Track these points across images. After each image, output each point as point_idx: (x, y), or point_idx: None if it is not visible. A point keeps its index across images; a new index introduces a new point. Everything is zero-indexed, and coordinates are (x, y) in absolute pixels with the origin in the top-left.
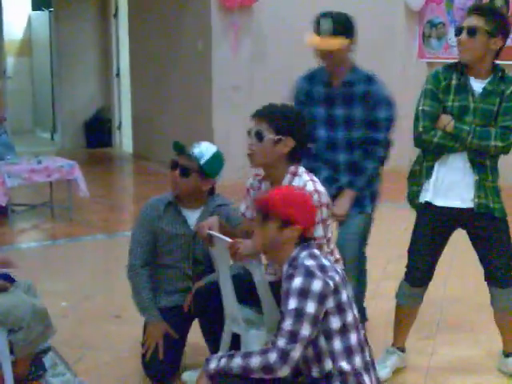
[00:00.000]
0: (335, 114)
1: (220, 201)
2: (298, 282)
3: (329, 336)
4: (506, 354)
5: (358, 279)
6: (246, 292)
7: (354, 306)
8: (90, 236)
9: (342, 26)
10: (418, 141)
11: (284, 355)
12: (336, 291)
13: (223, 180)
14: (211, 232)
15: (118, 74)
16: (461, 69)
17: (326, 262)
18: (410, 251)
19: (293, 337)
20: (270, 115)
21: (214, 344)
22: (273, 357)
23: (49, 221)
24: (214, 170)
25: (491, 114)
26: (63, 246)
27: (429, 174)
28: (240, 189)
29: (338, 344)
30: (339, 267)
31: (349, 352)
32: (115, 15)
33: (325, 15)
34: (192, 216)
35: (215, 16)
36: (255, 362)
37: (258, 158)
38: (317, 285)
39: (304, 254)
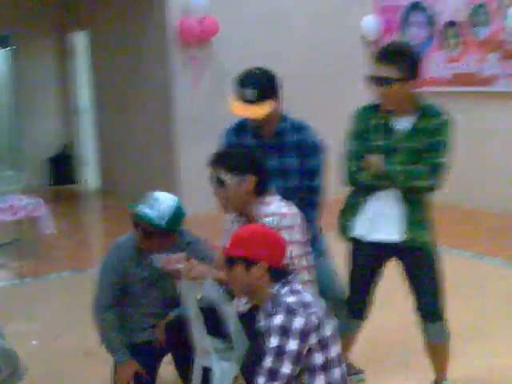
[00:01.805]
0: (269, 165)
1: (188, 238)
2: (279, 319)
3: (312, 372)
4: (436, 382)
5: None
6: (216, 324)
7: (338, 339)
8: (57, 273)
9: (266, 91)
10: (349, 181)
11: None
12: (319, 327)
13: (191, 212)
14: (177, 266)
15: (79, 110)
16: (384, 108)
17: (308, 298)
18: (348, 285)
19: (272, 375)
20: (224, 161)
21: (187, 378)
22: None
23: (16, 259)
24: (177, 225)
25: (416, 151)
26: (31, 285)
27: (360, 209)
28: (208, 218)
29: (320, 381)
30: (322, 301)
31: None
32: (74, 52)
33: (247, 84)
34: (160, 257)
35: (174, 51)
36: None
37: (230, 205)
38: (298, 322)
39: (285, 290)
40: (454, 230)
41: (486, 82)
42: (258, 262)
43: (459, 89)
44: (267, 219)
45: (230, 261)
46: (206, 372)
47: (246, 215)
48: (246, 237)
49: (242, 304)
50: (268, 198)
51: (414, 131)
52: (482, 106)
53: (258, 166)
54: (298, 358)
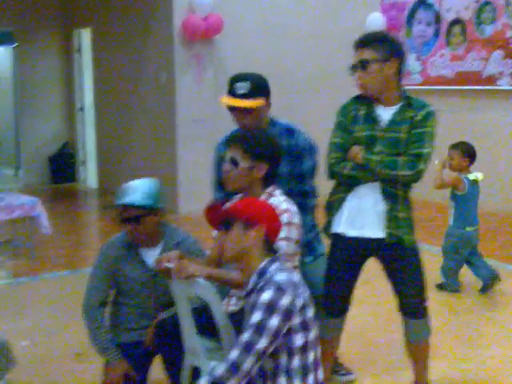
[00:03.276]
0: None
1: (179, 237)
2: (267, 296)
3: (290, 353)
4: None
5: None
6: (207, 324)
7: (316, 324)
8: (52, 273)
9: (258, 87)
10: (330, 173)
11: (234, 367)
12: (303, 308)
13: (189, 212)
14: (168, 265)
15: (81, 109)
16: (369, 98)
17: (296, 278)
18: (326, 282)
19: (247, 348)
20: (243, 142)
21: (176, 379)
22: (221, 369)
23: (11, 258)
24: (156, 199)
25: (399, 142)
26: (26, 284)
27: (341, 205)
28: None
29: (296, 362)
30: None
31: (304, 371)
32: (79, 50)
33: (240, 78)
34: (151, 255)
35: (178, 48)
36: (203, 382)
37: (234, 183)
38: (285, 300)
39: (274, 266)
40: None
41: (489, 80)
42: (257, 224)
43: (463, 87)
44: None
45: (229, 223)
46: (196, 372)
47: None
48: (249, 202)
49: (232, 304)
50: (271, 189)
51: (398, 121)
52: (485, 104)
53: (274, 156)
54: (276, 334)
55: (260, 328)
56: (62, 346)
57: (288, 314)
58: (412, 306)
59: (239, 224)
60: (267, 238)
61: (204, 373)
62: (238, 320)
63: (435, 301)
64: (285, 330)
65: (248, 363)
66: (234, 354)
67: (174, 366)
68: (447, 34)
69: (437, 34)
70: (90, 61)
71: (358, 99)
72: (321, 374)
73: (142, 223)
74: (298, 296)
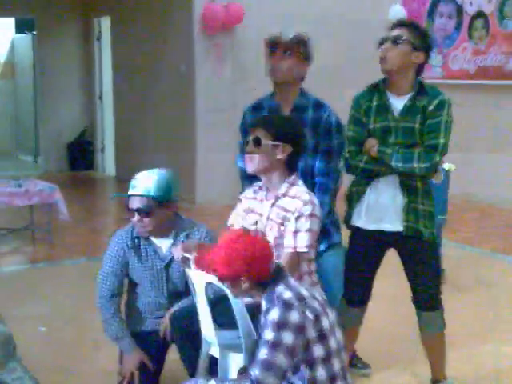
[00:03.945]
0: None
1: (191, 226)
2: (275, 313)
3: (312, 365)
4: (434, 381)
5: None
6: (224, 314)
7: (337, 329)
8: (70, 259)
9: (302, 41)
10: (347, 166)
11: None
12: (316, 320)
13: (206, 201)
14: (185, 254)
15: (100, 97)
16: (382, 88)
17: (303, 292)
18: (346, 273)
19: (267, 367)
20: (267, 123)
21: (192, 368)
22: None
23: (29, 244)
24: (169, 191)
25: (413, 131)
26: (43, 270)
27: (360, 198)
28: (224, 210)
29: (322, 373)
30: (318, 293)
31: (332, 380)
32: (98, 38)
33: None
34: (163, 245)
35: (198, 38)
36: None
37: (257, 164)
38: (294, 316)
39: (280, 287)
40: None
41: (511, 75)
42: (240, 278)
43: (484, 82)
44: (286, 200)
45: (219, 278)
46: (213, 361)
47: (268, 185)
48: (225, 257)
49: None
50: (293, 178)
51: (410, 110)
52: (507, 99)
53: (297, 139)
54: (292, 351)
55: (274, 345)
56: (78, 332)
57: (300, 329)
58: (426, 299)
59: (225, 281)
60: (257, 280)
61: (220, 362)
62: (253, 311)
63: (445, 294)
64: (301, 345)
65: (271, 381)
66: (256, 373)
67: (190, 355)
68: (469, 28)
69: (458, 28)
70: (110, 49)
71: (370, 90)
72: (350, 380)
73: (153, 215)
74: (306, 310)
